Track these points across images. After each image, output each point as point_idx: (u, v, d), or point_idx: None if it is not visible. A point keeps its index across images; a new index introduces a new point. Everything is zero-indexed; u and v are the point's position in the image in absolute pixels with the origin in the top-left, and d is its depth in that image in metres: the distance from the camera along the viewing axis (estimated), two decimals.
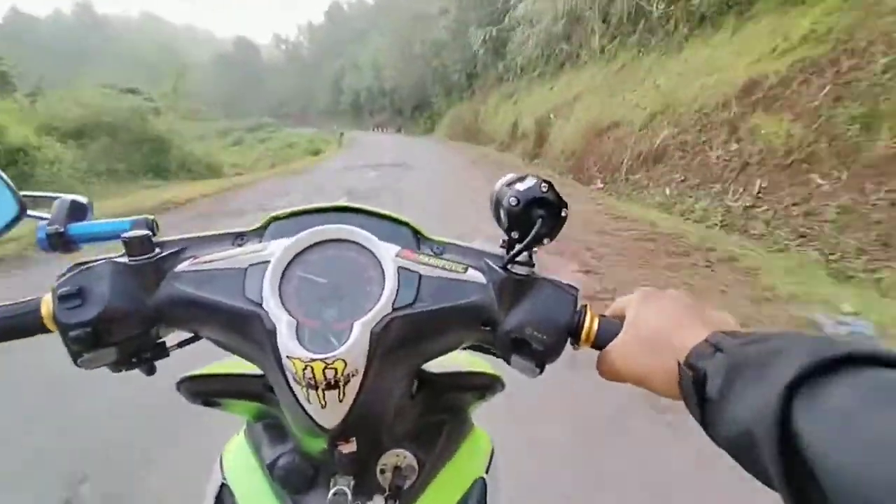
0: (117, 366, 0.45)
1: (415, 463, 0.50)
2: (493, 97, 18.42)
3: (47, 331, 0.43)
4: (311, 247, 0.45)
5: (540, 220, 0.41)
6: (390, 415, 0.48)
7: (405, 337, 0.42)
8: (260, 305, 0.41)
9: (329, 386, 0.38)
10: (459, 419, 0.60)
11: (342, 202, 0.51)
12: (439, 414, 0.57)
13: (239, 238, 0.49)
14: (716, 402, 0.31)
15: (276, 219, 0.49)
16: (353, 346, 0.38)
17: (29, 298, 0.44)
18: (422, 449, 0.52)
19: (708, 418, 0.32)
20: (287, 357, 0.38)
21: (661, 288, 0.43)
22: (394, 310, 0.41)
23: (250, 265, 0.43)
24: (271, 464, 0.51)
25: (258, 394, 0.52)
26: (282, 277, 0.43)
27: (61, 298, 0.41)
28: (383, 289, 0.42)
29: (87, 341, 0.41)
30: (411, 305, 0.42)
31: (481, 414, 0.64)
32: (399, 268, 0.43)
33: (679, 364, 0.35)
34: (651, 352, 0.38)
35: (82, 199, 0.55)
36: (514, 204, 0.42)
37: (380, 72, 42.91)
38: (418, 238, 0.49)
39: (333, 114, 65.30)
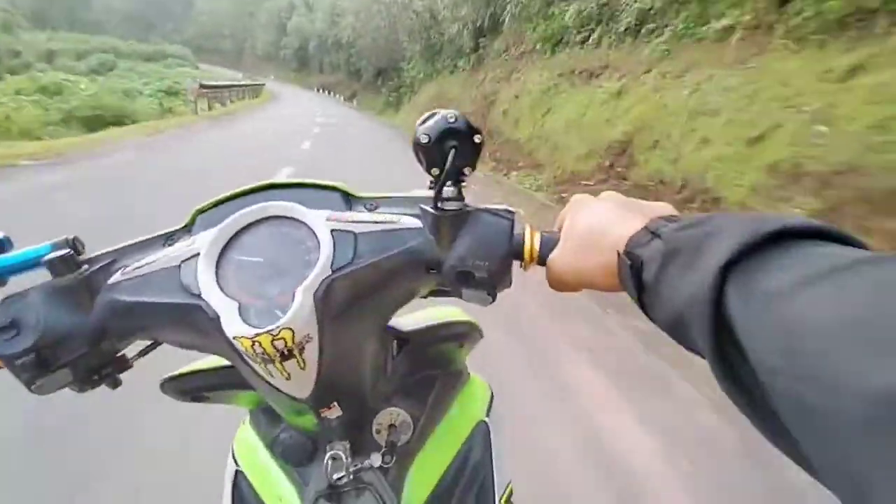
0: (80, 384, 0.46)
1: (409, 419, 0.53)
2: (534, 73, 9.03)
3: None
4: (242, 230, 0.45)
5: (453, 150, 0.41)
6: (367, 375, 0.49)
7: (353, 295, 0.42)
8: (199, 296, 0.41)
9: (284, 357, 0.38)
10: (451, 371, 0.62)
11: (265, 181, 0.50)
12: (427, 369, 0.59)
13: (168, 239, 0.49)
14: (651, 287, 0.31)
15: (201, 211, 0.49)
16: (297, 312, 0.38)
17: None
18: (414, 405, 0.54)
19: (645, 303, 0.33)
20: (234, 338, 0.38)
21: None
22: (333, 271, 0.41)
23: (182, 261, 0.43)
24: (272, 443, 0.53)
25: (241, 383, 0.51)
26: (218, 265, 0.43)
27: None
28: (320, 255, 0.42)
29: (35, 367, 0.42)
30: (351, 264, 0.42)
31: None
32: (332, 231, 0.43)
33: (618, 254, 0.35)
34: (590, 250, 0.38)
35: None
36: (425, 141, 0.42)
37: (338, 17, 31.72)
38: (349, 199, 0.49)
39: (274, 60, 52.84)
